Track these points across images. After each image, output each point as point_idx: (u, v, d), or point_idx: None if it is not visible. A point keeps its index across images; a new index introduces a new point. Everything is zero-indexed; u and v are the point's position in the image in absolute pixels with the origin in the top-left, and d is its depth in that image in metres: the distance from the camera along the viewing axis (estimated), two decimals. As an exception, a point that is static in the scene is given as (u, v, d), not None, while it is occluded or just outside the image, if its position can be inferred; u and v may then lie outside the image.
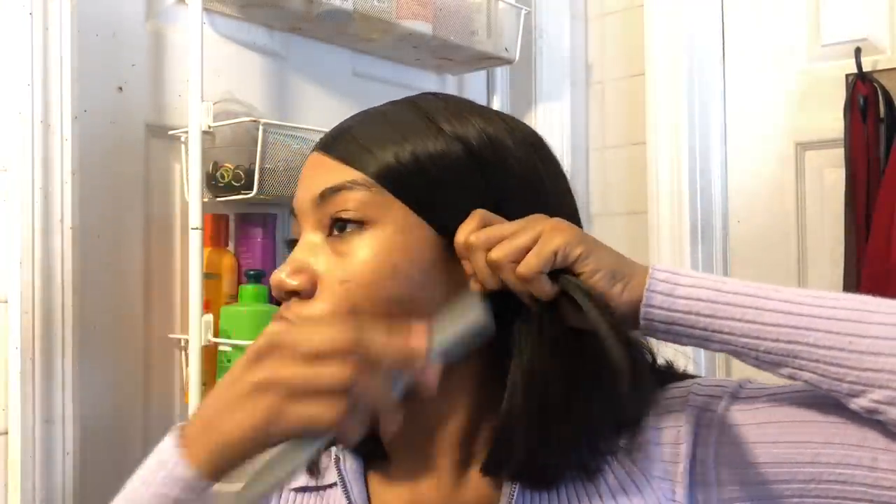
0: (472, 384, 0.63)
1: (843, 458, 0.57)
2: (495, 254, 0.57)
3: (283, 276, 0.60)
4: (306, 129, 1.35)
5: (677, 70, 1.85)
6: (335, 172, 0.61)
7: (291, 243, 0.64)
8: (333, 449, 0.66)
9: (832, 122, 1.68)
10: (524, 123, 0.68)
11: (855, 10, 1.71)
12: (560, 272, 0.58)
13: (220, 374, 1.29)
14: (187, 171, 1.29)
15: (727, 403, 0.63)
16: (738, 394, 0.64)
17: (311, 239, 0.62)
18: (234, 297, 1.34)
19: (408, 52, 1.65)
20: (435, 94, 0.67)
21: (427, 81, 1.77)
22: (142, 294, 1.31)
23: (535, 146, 0.66)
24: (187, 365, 1.30)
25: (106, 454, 1.26)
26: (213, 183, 1.31)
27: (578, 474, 0.62)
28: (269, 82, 1.49)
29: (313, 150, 0.65)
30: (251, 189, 1.27)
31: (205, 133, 1.25)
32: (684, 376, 0.69)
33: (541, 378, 0.60)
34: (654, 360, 0.69)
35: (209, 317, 1.25)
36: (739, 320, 0.57)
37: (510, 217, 0.61)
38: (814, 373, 0.56)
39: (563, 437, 0.60)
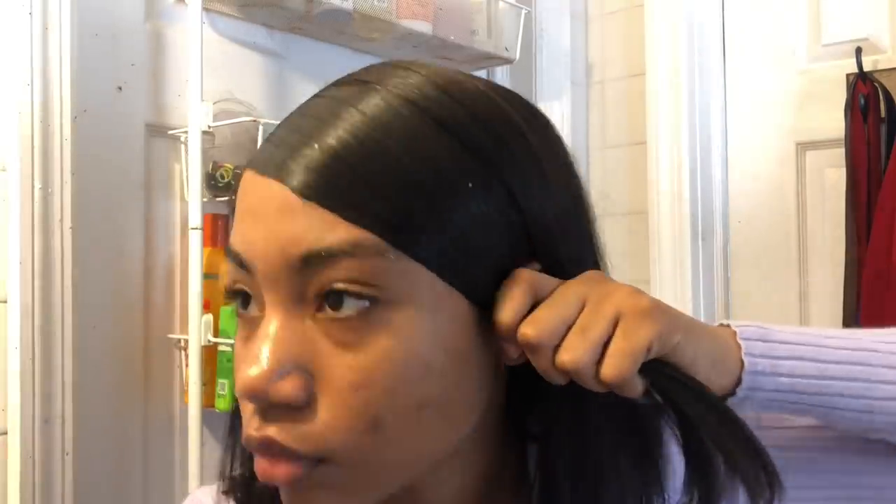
0: (493, 446, 0.51)
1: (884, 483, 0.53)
2: (569, 356, 0.43)
3: (256, 373, 0.42)
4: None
5: (677, 70, 1.85)
6: (319, 224, 0.42)
7: (236, 295, 0.48)
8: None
9: (832, 122, 1.67)
10: (551, 125, 0.51)
11: (855, 10, 1.71)
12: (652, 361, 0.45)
13: (219, 374, 1.29)
14: (187, 171, 1.29)
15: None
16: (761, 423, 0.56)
17: (291, 317, 0.43)
18: (234, 297, 1.33)
19: (408, 52, 1.65)
20: (414, 68, 0.49)
21: (427, 81, 1.77)
22: (142, 294, 1.31)
23: (544, 128, 0.50)
24: (187, 365, 1.30)
25: (106, 454, 1.26)
26: (213, 183, 1.31)
27: None
28: (269, 82, 1.49)
29: (261, 169, 0.45)
30: (251, 189, 1.26)
31: (205, 133, 1.25)
32: None
33: (577, 448, 0.47)
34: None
35: (209, 317, 1.25)
36: (846, 396, 0.50)
37: (546, 248, 0.46)
38: None
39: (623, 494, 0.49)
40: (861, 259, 1.57)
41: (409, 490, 0.48)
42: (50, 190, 1.14)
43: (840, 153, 1.64)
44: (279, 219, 0.43)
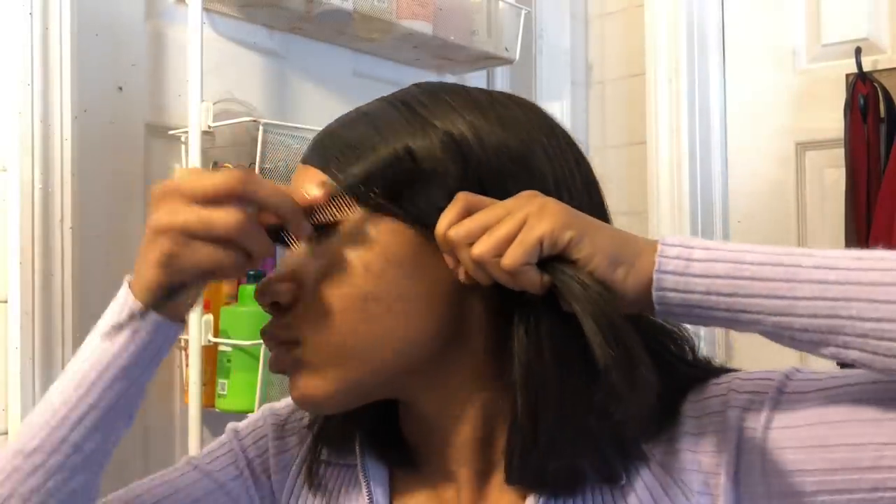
0: (481, 384, 0.59)
1: None
2: (477, 249, 0.52)
3: (260, 284, 0.59)
4: (306, 128, 1.35)
5: (677, 70, 1.85)
6: (310, 179, 0.59)
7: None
8: (358, 435, 0.65)
9: (832, 122, 1.68)
10: (528, 104, 0.62)
11: (855, 10, 1.71)
12: (553, 259, 0.52)
13: (219, 375, 1.29)
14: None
15: (773, 402, 0.55)
16: (785, 388, 0.55)
17: (293, 248, 0.59)
18: (234, 298, 1.34)
19: (408, 52, 1.65)
20: (419, 84, 0.63)
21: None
22: (142, 294, 1.31)
23: (536, 126, 0.60)
24: (187, 365, 1.30)
25: (106, 454, 1.26)
26: (213, 183, 1.31)
27: (605, 482, 0.57)
28: (269, 82, 1.49)
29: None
30: (251, 189, 1.26)
31: (205, 133, 1.25)
32: (722, 370, 0.61)
33: (542, 377, 0.54)
34: (694, 353, 0.61)
35: (209, 317, 1.25)
36: (767, 296, 0.50)
37: (501, 192, 0.56)
38: (862, 350, 0.48)
39: (583, 443, 0.55)
40: (861, 259, 1.57)
41: (418, 415, 0.62)
42: (50, 190, 1.14)
43: (840, 153, 1.64)
44: (295, 184, 0.60)
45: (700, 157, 1.85)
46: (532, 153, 0.58)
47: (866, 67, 1.63)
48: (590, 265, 0.52)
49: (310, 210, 0.57)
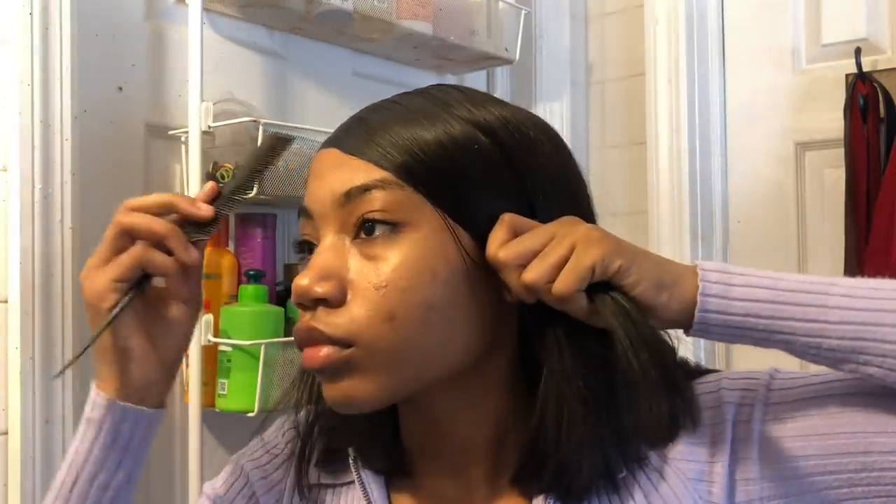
0: (501, 390, 0.62)
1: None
2: (530, 275, 0.55)
3: (305, 282, 0.56)
4: (306, 129, 1.35)
5: (677, 70, 1.85)
6: (360, 171, 0.57)
7: (303, 245, 0.61)
8: (350, 450, 0.65)
9: (832, 122, 1.68)
10: (540, 118, 0.65)
11: (855, 10, 1.71)
12: (600, 284, 0.55)
13: (219, 375, 1.29)
14: (187, 171, 1.29)
15: (764, 396, 0.61)
16: (772, 385, 0.62)
17: (335, 241, 0.58)
18: (234, 297, 1.34)
19: (408, 52, 1.65)
20: (448, 85, 0.64)
21: (427, 81, 1.76)
22: (142, 294, 1.31)
23: (558, 142, 0.63)
24: (187, 365, 1.30)
25: (106, 454, 1.26)
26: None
27: (610, 485, 0.60)
28: (269, 82, 1.49)
29: (326, 145, 0.62)
30: (251, 189, 1.26)
31: (205, 133, 1.25)
32: (706, 371, 0.66)
33: (574, 388, 0.57)
34: (675, 356, 0.65)
35: (209, 317, 1.25)
36: (801, 320, 0.55)
37: (543, 219, 0.58)
38: (881, 367, 0.55)
39: (596, 448, 0.58)
40: (861, 259, 1.57)
41: (430, 418, 0.62)
42: (50, 190, 1.14)
43: (839, 153, 1.64)
44: (331, 172, 0.59)
45: (700, 157, 1.85)
46: (567, 177, 0.62)
47: (866, 67, 1.63)
48: (636, 290, 0.55)
49: (363, 205, 0.57)
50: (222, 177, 1.30)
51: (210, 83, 1.30)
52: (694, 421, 0.59)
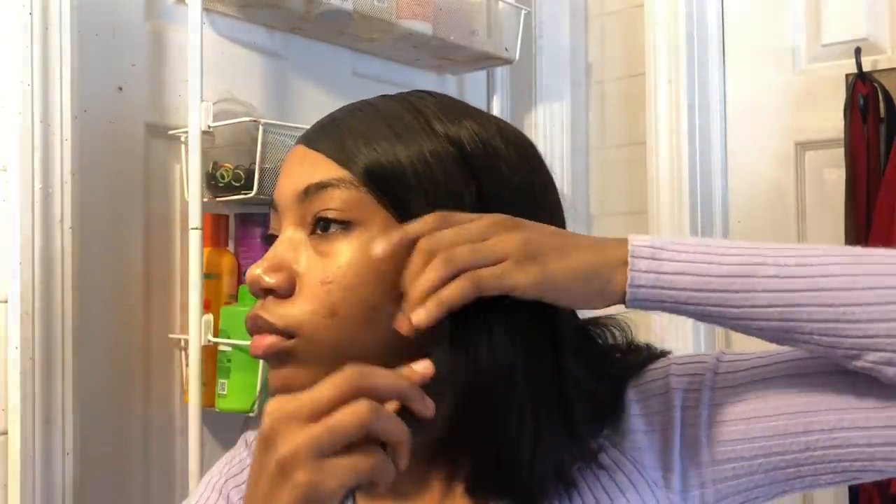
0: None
1: (837, 422, 0.58)
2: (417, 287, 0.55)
3: (258, 272, 0.58)
4: (306, 129, 1.35)
5: (677, 70, 1.85)
6: (321, 168, 0.59)
7: (270, 238, 0.62)
8: None
9: (832, 122, 1.68)
10: (515, 128, 0.65)
11: (855, 10, 1.71)
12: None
13: (219, 375, 1.29)
14: (187, 171, 1.29)
15: (710, 380, 0.63)
16: (718, 368, 0.64)
17: (292, 236, 0.60)
18: (234, 297, 1.34)
19: (408, 52, 1.65)
20: (427, 92, 0.65)
21: (427, 81, 1.77)
22: (142, 294, 1.31)
23: (528, 153, 0.64)
24: (187, 365, 1.30)
25: (106, 454, 1.26)
26: (213, 183, 1.31)
27: (563, 486, 0.60)
28: (269, 82, 1.49)
29: (298, 141, 0.63)
30: (251, 189, 1.27)
31: (205, 133, 1.25)
32: (655, 356, 0.67)
33: (525, 394, 0.57)
34: (630, 340, 0.67)
35: (209, 317, 1.25)
36: (730, 306, 0.56)
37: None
38: (810, 343, 0.56)
39: (545, 447, 0.57)
40: (861, 259, 1.57)
41: None
42: (50, 190, 1.14)
43: (839, 153, 1.64)
44: (297, 167, 0.61)
45: (700, 157, 1.85)
46: (532, 187, 0.62)
47: (866, 67, 1.63)
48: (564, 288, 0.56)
49: (321, 206, 0.58)
50: (222, 177, 1.30)
51: (210, 83, 1.30)
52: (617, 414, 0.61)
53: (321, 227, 0.59)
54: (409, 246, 0.56)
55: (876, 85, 1.60)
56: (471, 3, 1.65)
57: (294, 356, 0.58)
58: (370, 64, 1.66)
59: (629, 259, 0.57)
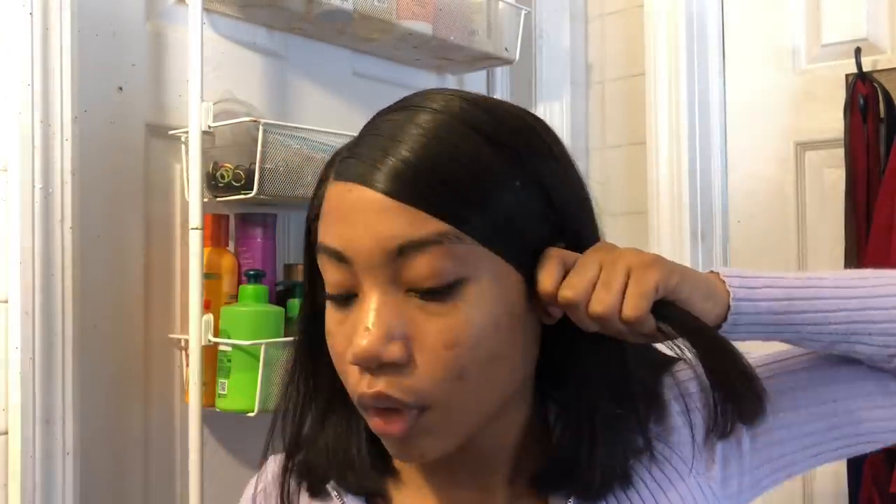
0: (525, 401, 0.64)
1: (861, 407, 0.66)
2: (598, 307, 0.55)
3: (367, 344, 0.53)
4: (306, 129, 1.35)
5: (677, 70, 1.85)
6: (411, 221, 0.53)
7: (337, 300, 0.57)
8: (330, 485, 0.64)
9: (832, 122, 1.68)
10: (541, 120, 0.64)
11: (855, 10, 1.71)
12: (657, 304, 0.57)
13: (219, 375, 1.29)
14: (187, 171, 1.29)
15: None
16: None
17: (388, 296, 0.54)
18: (234, 297, 1.34)
19: (408, 52, 1.65)
20: (471, 100, 0.59)
21: (427, 81, 1.77)
22: (142, 294, 1.31)
23: (562, 146, 0.63)
24: (187, 365, 1.30)
25: (106, 454, 1.26)
26: (213, 183, 1.31)
27: (620, 484, 0.63)
28: (269, 82, 1.49)
29: (351, 179, 0.56)
30: (251, 189, 1.27)
31: (205, 133, 1.25)
32: (674, 359, 0.70)
33: (596, 395, 0.60)
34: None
35: (209, 317, 1.25)
36: (809, 311, 0.62)
37: (571, 235, 0.59)
38: (868, 344, 0.63)
39: (617, 451, 0.61)
40: (860, 259, 1.57)
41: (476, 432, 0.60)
42: (50, 190, 1.14)
43: (839, 153, 1.64)
44: (375, 218, 0.54)
45: (700, 157, 1.85)
46: (584, 198, 0.63)
47: (866, 67, 1.63)
48: (689, 302, 0.58)
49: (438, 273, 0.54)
50: (222, 177, 1.30)
51: (210, 83, 1.30)
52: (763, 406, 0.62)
53: (433, 291, 0.54)
54: (526, 302, 0.58)
55: (876, 85, 1.60)
56: (471, 3, 1.65)
57: (429, 428, 0.56)
58: (370, 64, 1.66)
59: (724, 278, 0.61)
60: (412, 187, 0.53)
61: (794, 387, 0.67)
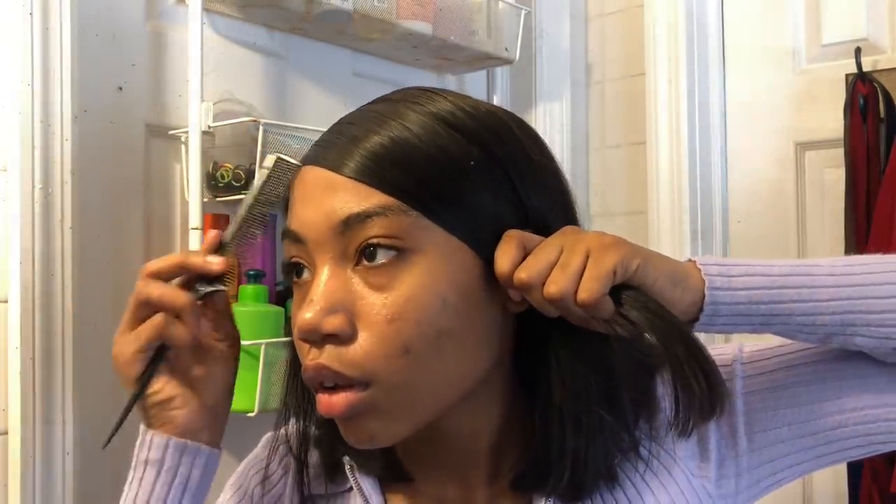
0: (501, 396, 0.61)
1: (868, 401, 0.61)
2: (553, 289, 0.53)
3: (310, 315, 0.54)
4: (306, 129, 1.35)
5: (677, 70, 1.85)
6: (356, 195, 0.54)
7: (292, 267, 0.59)
8: (346, 459, 0.65)
9: (832, 122, 1.68)
10: (517, 116, 0.64)
11: (855, 10, 1.71)
12: (617, 287, 0.54)
13: (220, 374, 1.29)
14: (187, 171, 1.29)
15: (740, 370, 0.64)
16: (742, 358, 0.65)
17: (336, 271, 0.55)
18: (234, 297, 1.34)
19: (408, 52, 1.65)
20: (433, 91, 0.61)
21: (427, 81, 1.77)
22: (142, 294, 1.31)
23: (539, 140, 0.63)
24: (187, 365, 1.29)
25: (106, 454, 1.25)
26: (213, 183, 1.31)
27: (606, 483, 0.61)
28: (269, 82, 1.49)
29: (310, 162, 0.58)
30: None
31: (205, 133, 1.25)
32: None
33: (574, 390, 0.57)
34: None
35: (209, 317, 1.25)
36: (797, 301, 0.58)
37: (538, 221, 0.58)
38: (866, 336, 0.58)
39: (598, 448, 0.58)
40: (861, 259, 1.57)
41: (433, 431, 0.59)
42: (50, 190, 1.14)
43: (839, 153, 1.64)
44: (323, 194, 0.56)
45: (700, 157, 1.85)
46: (555, 175, 0.62)
47: (866, 67, 1.63)
48: (654, 287, 0.55)
49: (361, 227, 0.54)
50: (222, 177, 1.30)
51: (210, 83, 1.30)
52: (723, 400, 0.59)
53: (367, 255, 0.54)
54: (484, 283, 0.56)
55: (876, 85, 1.60)
56: (471, 3, 1.65)
57: (375, 407, 0.55)
58: (370, 64, 1.66)
59: (700, 266, 0.57)
60: (358, 162, 0.55)
61: (795, 382, 0.63)
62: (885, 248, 1.51)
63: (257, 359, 1.26)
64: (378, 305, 0.54)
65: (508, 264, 0.54)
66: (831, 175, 1.72)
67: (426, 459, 0.63)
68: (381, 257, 0.54)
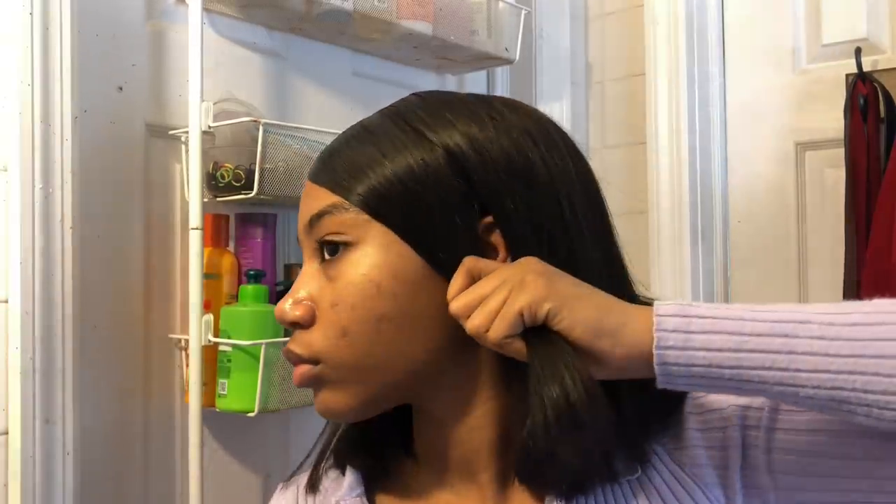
0: (497, 388, 0.62)
1: None
2: (470, 323, 0.56)
3: (285, 306, 0.62)
4: (306, 129, 1.35)
5: (677, 70, 1.85)
6: (317, 198, 0.62)
7: (296, 269, 0.66)
8: (331, 471, 0.67)
9: (832, 122, 1.68)
10: (525, 110, 0.67)
11: (855, 10, 1.71)
12: (540, 328, 0.55)
13: (219, 375, 1.29)
14: (187, 171, 1.29)
15: (771, 402, 0.60)
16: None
17: (310, 265, 0.63)
18: (234, 297, 1.34)
19: (408, 52, 1.65)
20: (418, 95, 0.66)
21: (427, 81, 1.77)
22: (142, 294, 1.31)
23: (534, 135, 0.64)
24: (187, 365, 1.30)
25: (106, 454, 1.26)
26: (213, 183, 1.31)
27: (613, 481, 0.60)
28: (269, 82, 1.49)
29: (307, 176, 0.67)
30: (251, 189, 1.27)
31: (205, 133, 1.25)
32: None
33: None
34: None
35: (209, 317, 1.25)
36: (770, 369, 0.50)
37: (522, 230, 0.59)
38: (867, 417, 0.50)
39: (590, 444, 0.56)
40: (861, 259, 1.57)
41: (433, 421, 0.63)
42: (50, 190, 1.14)
43: (840, 153, 1.64)
44: (304, 201, 0.64)
45: (700, 157, 1.85)
46: (531, 165, 0.61)
47: (866, 67, 1.63)
48: (571, 335, 0.55)
49: (322, 230, 0.61)
50: (222, 177, 1.30)
51: (210, 83, 1.30)
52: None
53: (329, 251, 0.61)
54: (430, 272, 0.59)
55: (876, 85, 1.60)
56: (471, 3, 1.65)
57: (324, 380, 0.61)
58: (370, 64, 1.66)
59: (656, 317, 0.53)
60: (326, 171, 0.63)
61: (827, 427, 0.57)
62: (885, 248, 1.51)
63: (257, 359, 1.26)
64: (328, 293, 0.60)
65: (453, 292, 0.58)
66: (831, 175, 1.72)
67: (438, 462, 0.65)
68: (339, 252, 0.61)
